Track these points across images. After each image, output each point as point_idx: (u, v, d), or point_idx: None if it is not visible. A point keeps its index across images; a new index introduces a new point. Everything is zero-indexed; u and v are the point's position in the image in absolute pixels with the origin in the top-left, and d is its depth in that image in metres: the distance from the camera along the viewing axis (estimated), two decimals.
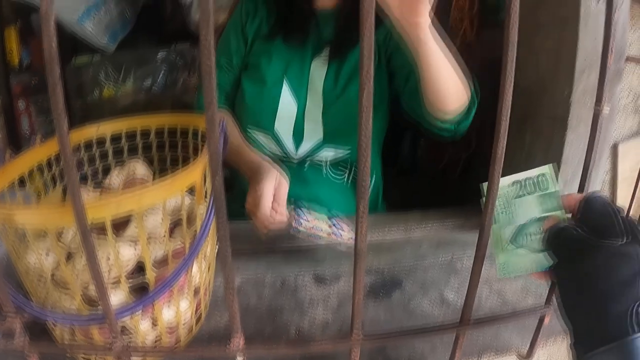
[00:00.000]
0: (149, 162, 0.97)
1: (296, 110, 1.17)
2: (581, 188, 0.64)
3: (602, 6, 0.98)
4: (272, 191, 0.94)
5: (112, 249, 0.59)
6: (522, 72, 1.14)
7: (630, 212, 1.17)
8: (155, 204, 0.60)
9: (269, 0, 1.21)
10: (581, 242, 0.52)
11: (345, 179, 1.22)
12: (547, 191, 0.60)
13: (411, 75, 1.01)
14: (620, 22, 1.00)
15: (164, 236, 0.69)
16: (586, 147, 1.03)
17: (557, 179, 0.60)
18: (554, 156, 1.07)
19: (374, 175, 1.28)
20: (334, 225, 0.91)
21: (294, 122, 1.17)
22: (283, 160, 1.19)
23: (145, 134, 0.97)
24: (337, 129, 1.16)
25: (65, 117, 0.44)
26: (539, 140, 1.11)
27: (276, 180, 0.96)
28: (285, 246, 1.05)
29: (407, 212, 1.19)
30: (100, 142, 0.96)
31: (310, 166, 1.21)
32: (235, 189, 1.23)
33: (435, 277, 0.98)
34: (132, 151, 0.97)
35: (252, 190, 0.97)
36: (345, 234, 0.89)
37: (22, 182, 0.79)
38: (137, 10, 1.87)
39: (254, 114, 1.19)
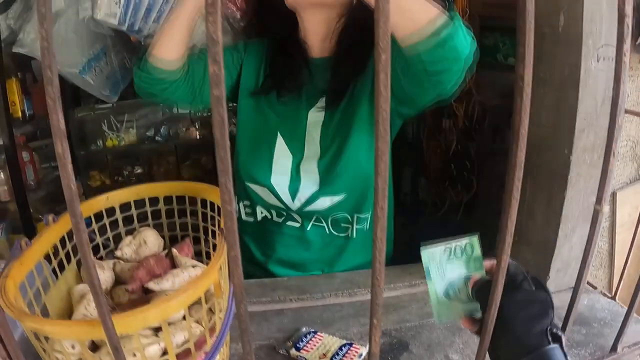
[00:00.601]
0: (159, 228, 0.99)
1: (291, 162, 1.18)
2: (579, 276, 0.66)
3: (602, 65, 1.00)
4: None
5: (140, 352, 0.60)
6: None
7: (630, 256, 1.18)
8: (180, 310, 0.62)
9: (269, 50, 1.23)
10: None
11: (350, 234, 1.23)
12: (473, 256, 0.71)
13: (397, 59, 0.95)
14: (624, 86, 1.03)
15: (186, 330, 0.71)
16: (584, 203, 1.06)
17: (479, 247, 0.71)
18: (554, 211, 1.09)
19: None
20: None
21: (289, 174, 1.18)
22: (284, 215, 1.22)
23: (154, 200, 0.99)
24: (332, 176, 1.16)
25: (91, 257, 0.46)
26: (540, 195, 1.13)
27: None
28: (294, 305, 1.07)
29: (410, 266, 1.21)
30: (110, 211, 0.97)
31: (313, 227, 1.22)
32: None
33: (441, 337, 0.99)
34: (142, 220, 0.99)
35: None
36: None
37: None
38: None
39: (249, 169, 1.20)
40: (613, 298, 1.11)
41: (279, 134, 1.18)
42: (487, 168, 1.63)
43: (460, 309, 0.73)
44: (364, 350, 0.91)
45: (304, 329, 0.99)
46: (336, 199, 1.17)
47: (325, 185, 1.16)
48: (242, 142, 1.22)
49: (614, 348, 0.76)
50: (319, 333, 0.97)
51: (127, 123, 1.84)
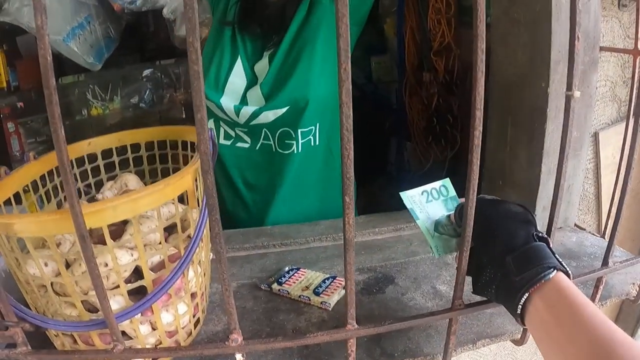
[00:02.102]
0: (141, 175, 0.99)
1: (244, 88, 1.24)
2: (559, 172, 0.67)
3: None
4: None
5: (111, 254, 0.60)
6: (500, 68, 1.16)
7: (615, 197, 1.19)
8: (151, 208, 0.62)
9: None
10: (483, 204, 0.66)
11: (294, 150, 1.26)
12: (449, 196, 0.78)
13: None
14: (592, 12, 1.03)
15: (160, 242, 0.71)
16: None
17: (452, 188, 0.78)
18: (536, 147, 1.09)
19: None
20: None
21: (239, 98, 1.24)
22: (233, 136, 1.27)
23: (136, 148, 0.99)
24: (276, 93, 1.20)
25: (62, 126, 0.46)
26: (521, 133, 1.14)
27: None
28: (277, 250, 1.08)
29: (396, 212, 1.22)
30: (92, 157, 0.97)
31: (260, 148, 1.27)
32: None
33: (427, 271, 1.00)
34: (124, 166, 0.99)
35: None
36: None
37: (17, 199, 0.80)
38: (121, 29, 1.89)
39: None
40: (602, 237, 1.12)
41: (239, 57, 1.24)
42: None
43: (453, 243, 0.76)
44: None
45: (286, 268, 0.99)
46: (279, 112, 1.21)
47: (269, 101, 1.21)
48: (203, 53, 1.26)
49: (605, 263, 0.77)
50: (301, 269, 0.98)
51: (111, 92, 1.84)
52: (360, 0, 1.20)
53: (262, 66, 1.24)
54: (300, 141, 1.23)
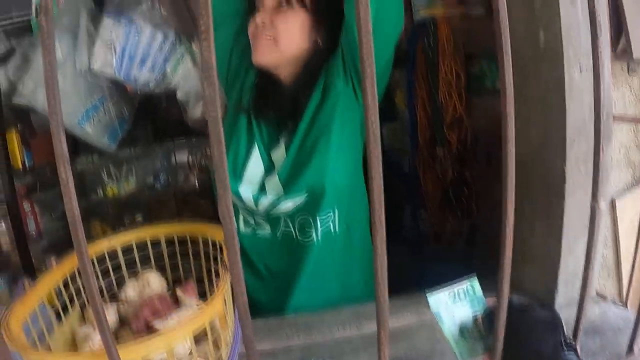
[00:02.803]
0: (162, 270, 0.99)
1: (261, 175, 1.23)
2: (585, 277, 0.66)
3: (585, 74, 1.02)
4: None
5: None
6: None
7: (636, 262, 1.18)
8: (184, 340, 0.61)
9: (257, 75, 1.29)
10: (510, 313, 0.63)
11: (314, 239, 1.24)
12: (475, 296, 0.77)
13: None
14: (605, 82, 1.04)
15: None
16: (584, 212, 1.06)
17: (479, 288, 0.77)
18: (555, 224, 1.09)
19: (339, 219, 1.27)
20: None
21: (258, 185, 1.22)
22: (252, 224, 1.27)
23: (156, 243, 0.99)
24: (294, 182, 1.19)
25: (97, 293, 0.46)
26: (538, 209, 1.13)
27: None
28: (302, 343, 1.06)
29: (416, 295, 1.19)
30: (112, 254, 0.98)
31: (281, 236, 1.26)
32: None
33: None
34: (145, 261, 0.99)
35: None
36: None
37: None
38: (135, 108, 1.93)
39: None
40: (624, 305, 1.10)
41: (256, 145, 1.23)
42: (485, 192, 1.63)
43: (478, 346, 0.75)
44: None
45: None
46: (298, 201, 1.20)
47: (287, 190, 1.20)
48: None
49: (630, 350, 0.76)
50: None
51: (126, 172, 1.86)
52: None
53: (279, 154, 1.24)
54: (319, 229, 1.22)
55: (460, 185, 1.66)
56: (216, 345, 0.72)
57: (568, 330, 0.71)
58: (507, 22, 0.52)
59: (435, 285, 0.79)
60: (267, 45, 1.16)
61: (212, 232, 0.92)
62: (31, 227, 2.07)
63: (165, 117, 2.14)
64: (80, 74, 1.64)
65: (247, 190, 1.21)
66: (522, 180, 1.18)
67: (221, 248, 0.89)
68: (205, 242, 0.94)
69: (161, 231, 0.98)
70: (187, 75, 1.64)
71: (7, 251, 2.04)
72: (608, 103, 1.07)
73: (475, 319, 0.75)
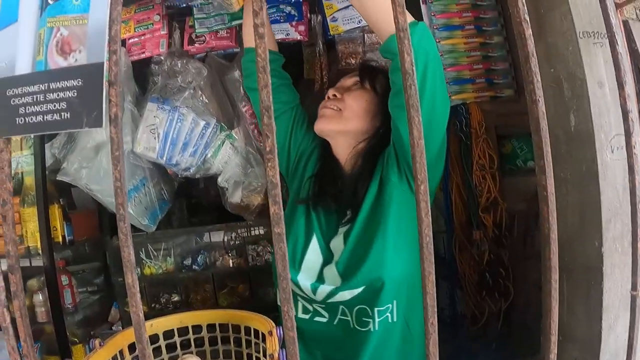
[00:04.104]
0: (202, 355, 1.00)
1: (320, 265, 1.23)
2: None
3: (617, 154, 1.03)
4: None
5: None
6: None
7: None
8: None
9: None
10: None
11: (372, 328, 1.22)
12: None
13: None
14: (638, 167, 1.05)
15: None
16: (624, 291, 1.05)
17: None
18: (594, 304, 1.07)
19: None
20: None
21: (316, 275, 1.22)
22: (311, 310, 1.25)
23: (197, 327, 1.00)
24: (352, 274, 1.18)
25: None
26: (577, 290, 1.12)
27: None
28: None
29: None
30: (153, 337, 0.99)
31: (338, 324, 1.23)
32: None
33: None
34: (185, 347, 1.00)
35: None
36: None
37: None
38: (174, 189, 1.98)
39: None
40: None
41: (314, 235, 1.25)
42: (522, 272, 1.61)
43: None
44: None
45: None
46: (355, 292, 1.19)
47: (345, 281, 1.19)
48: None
49: None
50: None
51: (164, 251, 1.90)
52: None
53: (337, 243, 1.25)
54: (377, 319, 1.20)
55: (497, 267, 1.64)
56: None
57: None
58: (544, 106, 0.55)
59: None
60: (332, 114, 1.23)
61: (253, 321, 0.93)
62: (67, 299, 2.09)
63: (203, 199, 2.22)
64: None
65: (305, 279, 1.22)
66: (560, 263, 1.18)
67: (263, 336, 0.90)
68: (247, 330, 0.95)
69: (203, 317, 1.00)
70: (227, 161, 1.70)
71: (42, 322, 2.06)
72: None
73: None
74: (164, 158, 1.64)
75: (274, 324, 0.89)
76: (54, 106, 0.62)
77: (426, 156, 0.55)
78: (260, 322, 0.89)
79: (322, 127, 1.24)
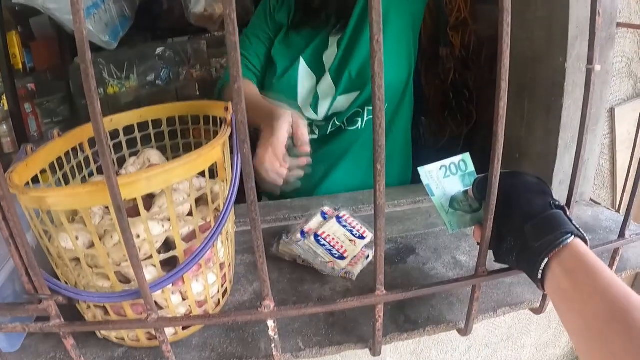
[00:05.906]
0: (162, 150, 1.00)
1: (314, 82, 1.26)
2: (579, 145, 0.67)
3: None
4: (288, 129, 0.97)
5: (145, 225, 0.62)
6: (516, 43, 1.15)
7: (631, 173, 1.19)
8: (183, 178, 0.63)
9: None
10: (500, 177, 0.62)
11: (360, 126, 1.28)
12: (467, 171, 0.77)
13: None
14: None
15: (189, 214, 0.73)
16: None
17: (472, 163, 0.77)
18: (553, 122, 1.09)
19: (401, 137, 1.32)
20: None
21: (313, 92, 1.26)
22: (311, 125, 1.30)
23: (157, 124, 0.99)
24: (345, 77, 1.23)
25: (97, 99, 0.47)
26: (538, 108, 1.14)
27: (292, 118, 0.99)
28: (298, 223, 1.09)
29: (414, 185, 1.23)
30: (113, 134, 0.98)
31: (330, 132, 1.30)
32: None
33: (447, 242, 1.01)
34: (145, 142, 1.00)
35: (266, 133, 1.00)
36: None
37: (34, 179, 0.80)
38: (136, 7, 1.89)
39: (278, 94, 1.26)
40: (617, 212, 1.12)
41: (301, 58, 1.26)
42: (486, 98, 1.63)
43: (468, 218, 0.76)
44: (370, 253, 0.94)
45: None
46: (352, 97, 1.24)
47: (339, 86, 1.24)
48: (269, 74, 1.30)
49: (621, 234, 0.78)
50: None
51: (127, 70, 1.85)
52: None
53: (330, 52, 1.26)
54: (365, 118, 1.25)
55: (461, 88, 1.65)
56: (217, 209, 0.74)
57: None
58: None
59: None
60: None
61: (214, 109, 0.91)
62: (33, 127, 2.07)
63: (165, 18, 2.11)
64: None
65: (305, 103, 1.26)
66: (524, 80, 1.18)
67: (222, 124, 0.89)
68: (206, 121, 0.94)
69: (163, 112, 0.98)
70: None
71: (8, 152, 2.06)
72: (613, 9, 1.05)
73: (466, 193, 0.76)
74: None
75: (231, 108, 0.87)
76: None
77: None
78: (218, 107, 0.88)
79: None
